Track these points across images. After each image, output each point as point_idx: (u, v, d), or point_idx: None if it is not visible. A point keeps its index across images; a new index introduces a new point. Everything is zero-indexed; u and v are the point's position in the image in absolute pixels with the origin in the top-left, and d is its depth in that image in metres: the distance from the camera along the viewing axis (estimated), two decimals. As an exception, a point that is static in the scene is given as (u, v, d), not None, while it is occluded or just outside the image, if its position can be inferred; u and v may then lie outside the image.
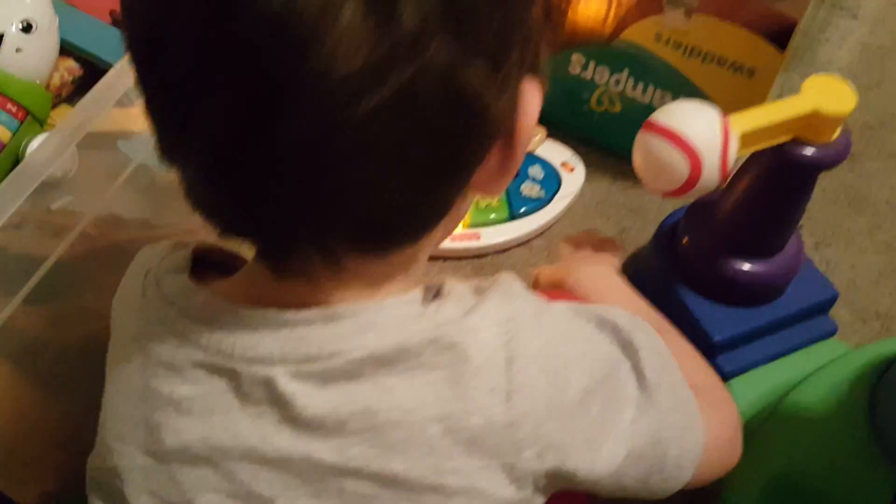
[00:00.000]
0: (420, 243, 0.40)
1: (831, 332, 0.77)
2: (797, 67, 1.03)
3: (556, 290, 0.62)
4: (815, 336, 0.76)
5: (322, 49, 0.30)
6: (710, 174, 0.57)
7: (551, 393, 0.38)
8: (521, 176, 0.86)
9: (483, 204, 0.83)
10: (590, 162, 0.89)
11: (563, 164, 0.87)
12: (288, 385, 0.36)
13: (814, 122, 0.61)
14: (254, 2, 0.30)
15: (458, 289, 0.41)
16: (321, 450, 0.36)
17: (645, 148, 0.59)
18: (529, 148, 0.88)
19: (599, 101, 0.88)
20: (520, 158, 0.40)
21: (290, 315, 0.37)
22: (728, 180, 0.59)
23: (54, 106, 0.83)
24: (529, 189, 0.85)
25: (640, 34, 0.80)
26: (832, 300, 0.77)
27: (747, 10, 0.73)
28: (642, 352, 0.43)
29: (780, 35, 0.74)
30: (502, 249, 0.84)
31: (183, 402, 0.38)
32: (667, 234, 0.77)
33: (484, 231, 0.82)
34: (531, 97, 0.38)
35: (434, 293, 0.40)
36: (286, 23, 0.30)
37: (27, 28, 0.75)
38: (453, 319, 0.38)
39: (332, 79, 0.30)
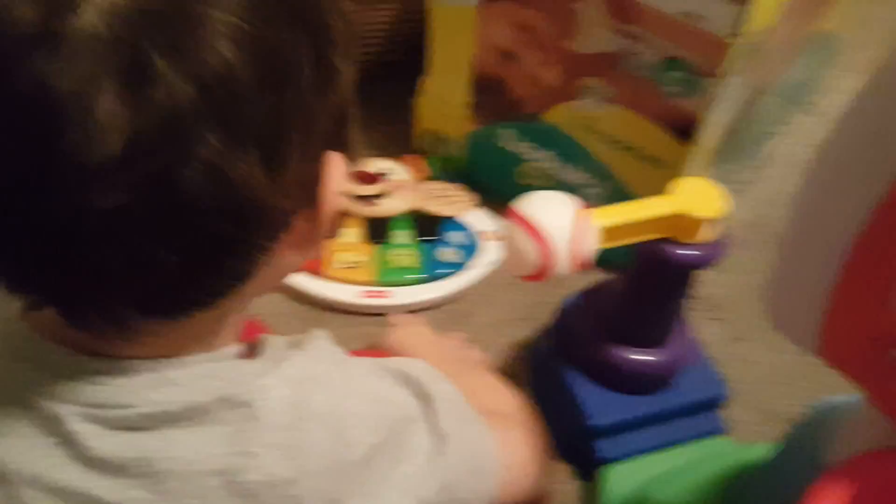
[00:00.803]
0: (222, 308, 0.40)
1: (719, 430, 0.77)
2: (739, 158, 1.04)
3: (376, 351, 0.64)
4: (702, 431, 0.76)
5: (76, 132, 0.31)
6: (561, 263, 0.59)
7: (335, 450, 0.40)
8: (442, 240, 0.88)
9: (398, 263, 0.85)
10: (516, 233, 0.90)
11: (486, 233, 0.89)
12: (76, 425, 0.38)
13: (681, 222, 0.62)
14: (10, 84, 0.31)
15: (274, 344, 0.42)
16: (102, 488, 0.38)
17: (506, 234, 0.61)
18: (455, 213, 0.90)
19: (530, 175, 0.90)
20: (325, 225, 0.42)
21: (86, 361, 0.39)
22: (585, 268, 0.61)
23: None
24: (446, 254, 0.86)
25: (560, 116, 0.82)
26: (722, 398, 0.76)
27: (653, 104, 0.75)
28: (438, 402, 0.46)
29: (684, 129, 0.75)
30: (413, 310, 0.85)
31: None
32: (563, 313, 0.78)
33: (395, 290, 0.84)
34: (332, 170, 0.41)
35: (252, 348, 0.42)
36: (41, 104, 0.31)
37: None
38: (250, 378, 0.40)
39: (87, 161, 0.31)
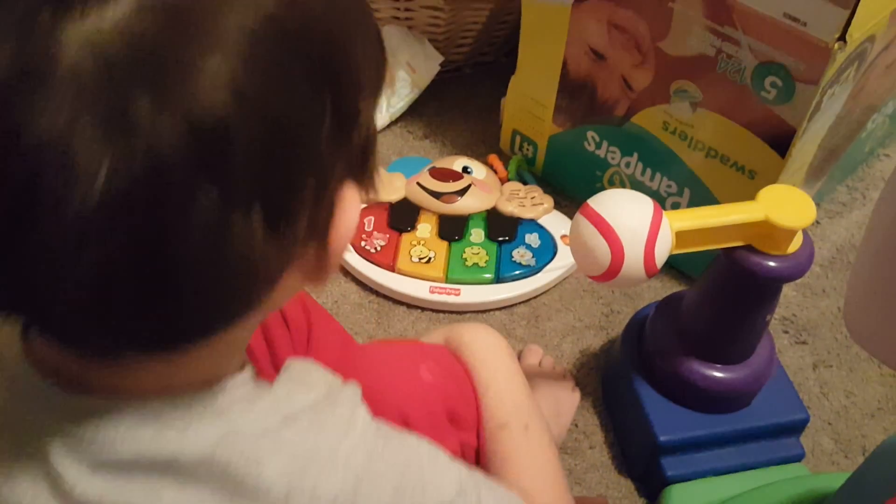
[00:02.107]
0: (217, 339, 0.36)
1: (796, 458, 0.73)
2: (845, 178, 0.99)
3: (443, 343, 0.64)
4: (777, 457, 0.72)
5: (52, 181, 0.28)
6: (634, 265, 0.57)
7: None
8: (517, 241, 0.86)
9: (470, 262, 0.84)
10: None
11: (563, 237, 0.87)
12: (59, 461, 0.36)
13: (766, 231, 0.59)
14: None
15: (290, 382, 0.39)
16: None
17: (576, 230, 0.59)
18: (534, 215, 0.88)
19: (611, 181, 0.88)
20: (335, 262, 0.38)
21: (76, 400, 0.36)
22: (656, 273, 0.58)
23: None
24: (521, 255, 0.85)
25: (649, 120, 0.80)
26: (801, 423, 0.72)
27: (748, 111, 0.72)
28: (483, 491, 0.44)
29: (779, 141, 0.71)
30: (482, 310, 0.84)
31: None
32: (637, 325, 0.76)
33: (465, 288, 0.83)
34: (348, 205, 0.37)
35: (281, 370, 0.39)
36: (15, 150, 0.28)
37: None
38: (247, 435, 0.36)
39: (65, 212, 0.28)
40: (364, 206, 0.38)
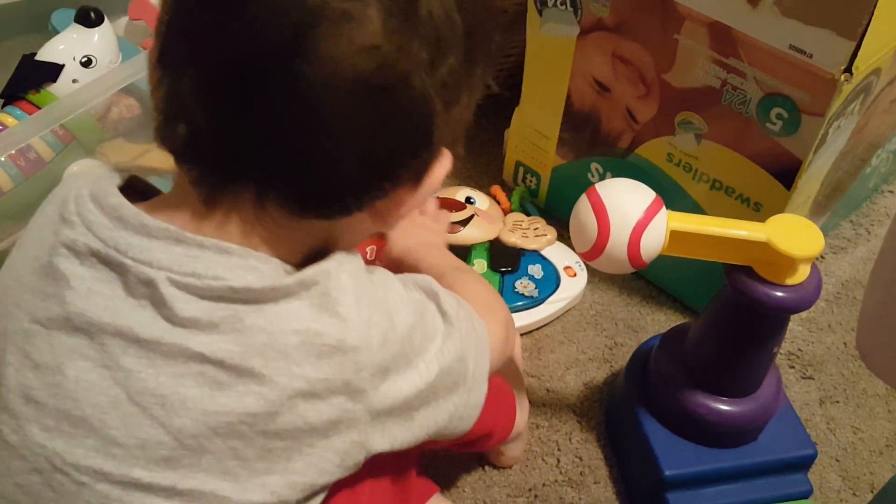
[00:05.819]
0: (330, 224, 0.46)
1: (803, 494, 0.71)
2: (849, 214, 0.99)
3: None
4: (783, 494, 0.71)
5: (340, 39, 0.39)
6: (618, 248, 0.58)
7: (386, 327, 0.46)
8: (520, 272, 0.85)
9: (474, 293, 0.83)
10: (598, 271, 0.87)
11: (566, 269, 0.86)
12: (168, 289, 0.41)
13: (768, 256, 0.58)
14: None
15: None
16: (191, 340, 0.42)
17: (576, 206, 0.60)
18: (537, 247, 0.88)
19: (616, 213, 0.87)
20: (416, 204, 0.47)
21: (189, 236, 0.43)
22: (642, 267, 0.60)
23: (109, 139, 0.90)
24: (524, 286, 0.84)
25: (654, 152, 0.80)
26: (809, 459, 0.71)
27: (754, 143, 0.72)
28: (441, 295, 0.51)
29: (785, 173, 0.71)
30: (485, 342, 0.83)
31: (73, 280, 0.43)
32: (641, 357, 0.75)
33: (468, 320, 0.82)
34: (443, 158, 0.47)
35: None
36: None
37: (87, 63, 0.82)
38: (320, 270, 0.45)
39: (348, 54, 0.39)
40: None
